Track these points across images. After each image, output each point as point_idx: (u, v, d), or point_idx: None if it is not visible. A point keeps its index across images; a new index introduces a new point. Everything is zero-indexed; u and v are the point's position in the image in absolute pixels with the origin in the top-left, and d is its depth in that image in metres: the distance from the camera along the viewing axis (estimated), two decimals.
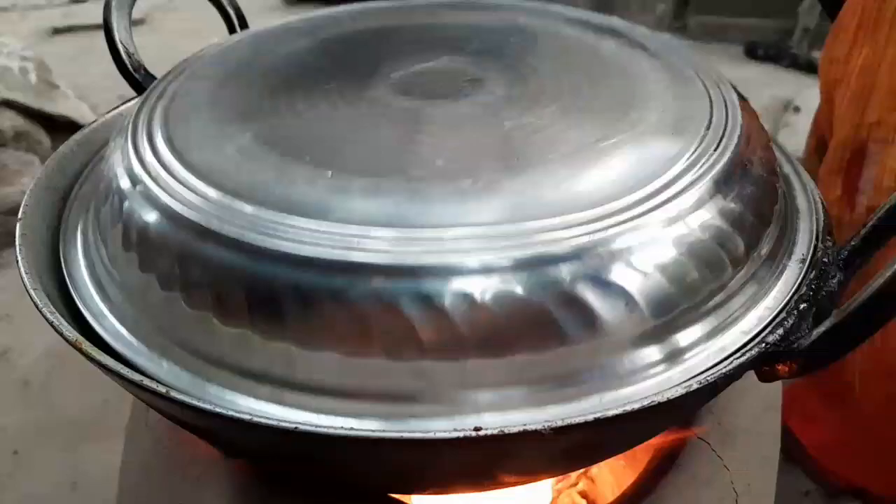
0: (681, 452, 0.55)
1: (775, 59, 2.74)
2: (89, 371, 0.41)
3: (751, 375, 0.42)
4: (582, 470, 0.66)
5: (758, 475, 0.58)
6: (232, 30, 0.72)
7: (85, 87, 2.30)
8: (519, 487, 0.53)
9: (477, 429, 0.34)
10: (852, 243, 0.46)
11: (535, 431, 0.34)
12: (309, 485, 0.47)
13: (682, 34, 3.54)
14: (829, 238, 0.48)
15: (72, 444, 1.21)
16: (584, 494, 0.71)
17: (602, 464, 0.64)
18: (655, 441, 0.56)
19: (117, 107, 0.62)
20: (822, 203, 0.51)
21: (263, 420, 0.35)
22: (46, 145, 1.93)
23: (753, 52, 3.01)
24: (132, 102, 0.62)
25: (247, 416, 0.35)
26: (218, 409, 0.36)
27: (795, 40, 2.74)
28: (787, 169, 0.55)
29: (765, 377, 0.42)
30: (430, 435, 0.34)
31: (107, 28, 0.63)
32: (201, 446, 0.53)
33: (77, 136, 0.58)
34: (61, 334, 0.40)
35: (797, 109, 2.12)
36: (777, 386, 0.62)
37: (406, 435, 0.35)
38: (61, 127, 1.95)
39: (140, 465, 0.59)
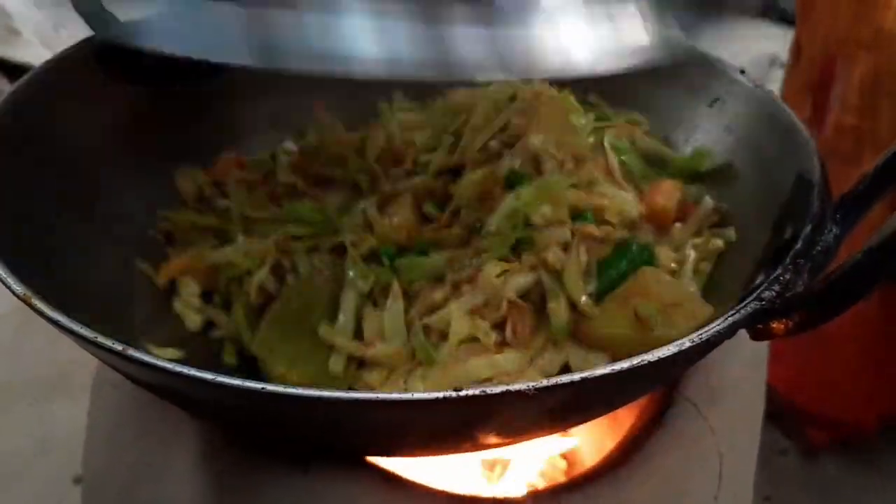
0: (666, 413, 0.53)
1: (763, 13, 2.70)
2: (54, 329, 0.38)
3: (739, 334, 0.40)
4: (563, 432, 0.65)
5: (742, 435, 0.58)
6: None
7: (49, 35, 2.20)
8: (500, 450, 0.51)
9: (457, 389, 0.32)
10: (847, 198, 0.45)
11: (519, 392, 0.32)
12: (281, 446, 0.45)
13: None
14: (825, 192, 0.46)
15: (40, 402, 1.18)
16: (564, 456, 0.70)
17: (583, 425, 0.63)
18: (640, 402, 0.55)
19: (70, 47, 0.58)
20: (820, 157, 0.49)
21: (228, 381, 0.33)
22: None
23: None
24: (87, 43, 0.58)
25: (209, 377, 0.33)
26: (178, 370, 0.33)
27: None
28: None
29: (758, 335, 0.40)
30: (409, 396, 0.32)
31: None
32: (169, 406, 0.50)
33: (27, 77, 0.54)
34: (10, 288, 0.37)
35: (784, 65, 2.09)
36: (763, 345, 0.61)
37: (382, 396, 0.33)
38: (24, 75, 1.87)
39: (106, 425, 0.57)
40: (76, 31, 0.62)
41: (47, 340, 1.24)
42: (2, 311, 1.34)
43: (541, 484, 0.63)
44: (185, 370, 0.33)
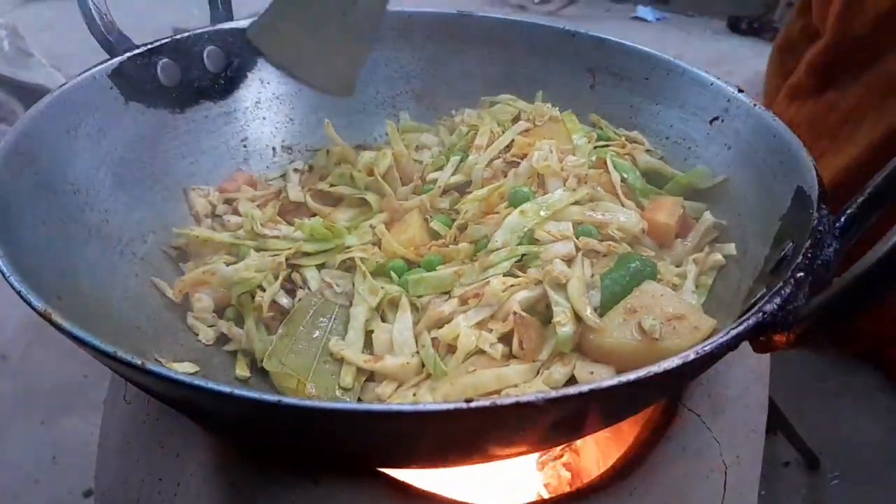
0: (670, 425, 0.54)
1: (758, 33, 2.72)
2: (68, 344, 0.39)
3: (742, 346, 0.41)
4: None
5: (746, 447, 0.58)
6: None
7: (60, 56, 2.23)
8: (506, 461, 0.52)
9: (468, 400, 0.33)
10: (848, 212, 0.46)
11: (529, 403, 0.33)
12: (293, 458, 0.46)
13: (666, 8, 3.51)
14: (824, 207, 0.47)
15: (51, 417, 1.19)
16: (568, 467, 0.70)
17: (588, 437, 0.64)
18: (645, 414, 0.55)
19: (88, 69, 0.59)
20: (817, 171, 0.50)
21: (245, 394, 0.34)
22: (20, 115, 1.86)
23: (736, 26, 2.99)
24: (103, 66, 0.60)
25: (227, 390, 0.34)
26: (196, 383, 0.34)
27: (778, 13, 2.73)
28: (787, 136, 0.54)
29: (760, 347, 0.41)
30: (420, 408, 0.33)
31: None
32: (181, 419, 0.51)
33: (47, 98, 0.55)
34: (29, 304, 0.38)
35: None
36: (765, 358, 0.62)
37: (395, 408, 0.34)
38: (35, 96, 1.89)
39: (118, 439, 0.58)
40: (88, 54, 0.64)
41: (58, 357, 1.25)
42: (13, 328, 1.35)
43: (547, 495, 0.64)
44: (204, 383, 0.34)
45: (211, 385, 0.34)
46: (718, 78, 0.62)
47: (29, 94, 1.92)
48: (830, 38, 1.00)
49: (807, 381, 1.18)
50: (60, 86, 0.57)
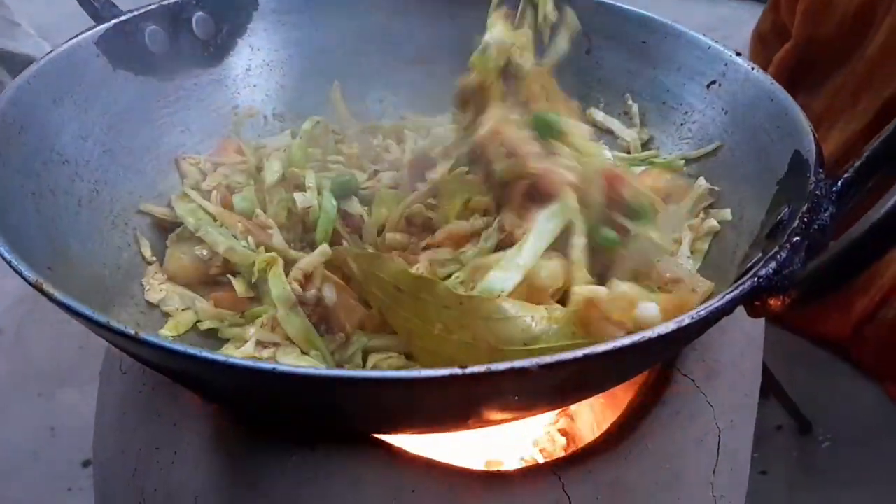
0: (665, 390, 0.54)
1: None
2: (62, 316, 0.39)
3: (737, 311, 0.41)
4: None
5: (740, 411, 0.58)
6: None
7: (47, 26, 2.20)
8: (500, 426, 0.52)
9: (462, 366, 0.33)
10: (845, 176, 0.45)
11: (523, 369, 0.33)
12: (289, 426, 0.46)
13: None
14: (821, 171, 0.46)
15: (48, 391, 1.19)
16: (563, 432, 0.71)
17: (583, 402, 0.64)
18: (639, 379, 0.56)
19: (74, 37, 0.58)
20: (815, 136, 0.49)
21: (239, 362, 0.34)
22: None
23: None
24: (89, 33, 0.58)
25: (221, 358, 0.34)
26: (190, 352, 0.34)
27: None
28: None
29: (755, 312, 0.41)
30: (416, 374, 0.33)
31: None
32: (178, 390, 0.51)
33: (33, 67, 0.54)
34: (20, 274, 0.38)
35: None
36: (759, 323, 0.62)
37: (391, 374, 0.34)
38: (23, 66, 1.86)
39: (115, 410, 0.58)
40: (75, 23, 0.63)
41: (52, 331, 1.25)
42: (6, 303, 1.35)
43: (541, 459, 0.65)
44: (198, 352, 0.34)
45: (206, 354, 0.34)
46: (716, 41, 0.61)
47: (17, 64, 1.90)
48: (798, 39, 1.01)
49: (799, 347, 1.19)
50: (46, 54, 0.56)
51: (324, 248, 0.54)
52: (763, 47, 1.08)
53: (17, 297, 1.34)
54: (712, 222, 0.56)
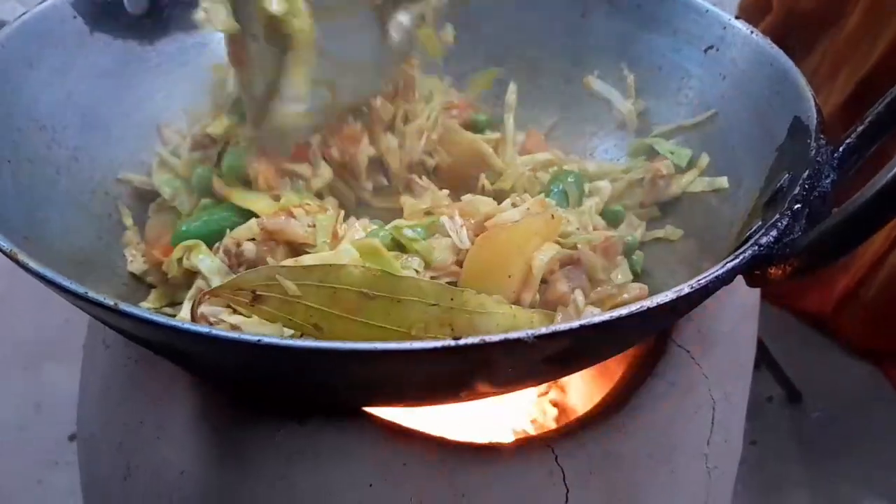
0: (660, 361, 0.53)
1: None
2: (46, 289, 0.38)
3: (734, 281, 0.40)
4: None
5: (734, 382, 0.58)
6: None
7: None
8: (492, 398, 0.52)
9: (456, 338, 0.32)
10: (847, 142, 0.44)
11: (518, 340, 0.32)
12: (277, 400, 0.45)
13: None
14: (822, 137, 0.45)
15: (34, 365, 1.18)
16: (555, 404, 0.71)
17: (576, 374, 0.63)
18: (633, 350, 0.55)
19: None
20: (816, 101, 0.48)
21: (223, 334, 0.32)
22: None
23: None
24: None
25: (205, 330, 0.32)
26: (172, 324, 0.33)
27: None
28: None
29: (755, 281, 0.40)
30: (408, 346, 0.32)
31: None
32: (163, 363, 0.50)
33: (6, 30, 0.52)
34: None
35: None
36: (756, 293, 0.61)
37: (381, 347, 0.32)
38: None
39: (99, 384, 0.57)
40: None
41: (35, 305, 1.23)
42: None
43: (533, 431, 0.64)
44: (180, 324, 0.33)
45: (188, 326, 0.33)
46: (714, 4, 0.60)
47: None
48: (778, 13, 1.01)
49: (790, 318, 1.19)
50: (20, 16, 0.54)
51: (251, 224, 0.50)
52: (746, 20, 1.08)
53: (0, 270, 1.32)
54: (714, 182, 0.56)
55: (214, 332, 0.32)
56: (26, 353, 1.20)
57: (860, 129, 0.43)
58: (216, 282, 0.46)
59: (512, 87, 0.67)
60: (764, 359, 1.09)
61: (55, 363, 1.16)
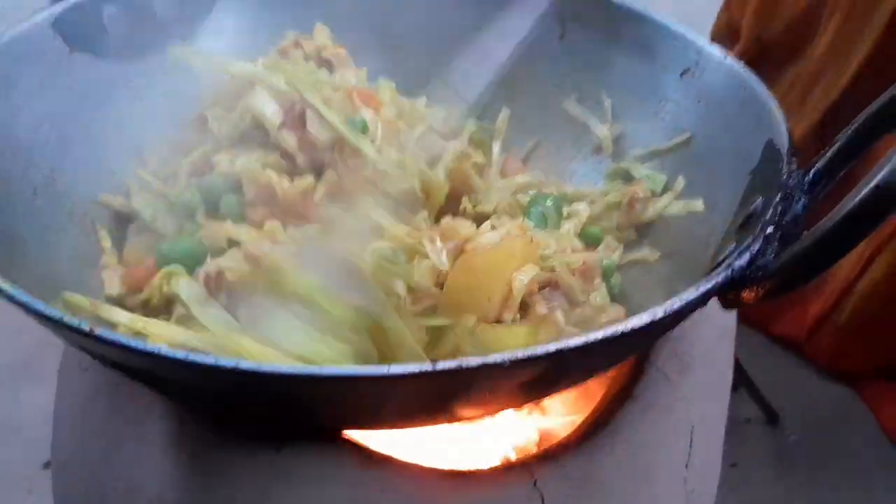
0: (638, 383, 0.54)
1: None
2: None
3: (709, 304, 0.41)
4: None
5: (712, 404, 0.58)
6: None
7: (2, 9, 2.13)
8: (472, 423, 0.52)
9: (433, 361, 0.32)
10: (817, 166, 0.45)
11: (496, 364, 0.32)
12: (256, 424, 0.45)
13: None
14: (793, 161, 0.46)
15: (6, 388, 1.16)
16: (536, 428, 0.70)
17: (555, 397, 0.64)
18: (612, 373, 0.55)
19: (29, 18, 0.55)
20: (787, 126, 0.49)
21: (200, 359, 0.32)
22: None
23: None
24: (45, 13, 0.56)
25: (181, 356, 0.32)
26: (148, 349, 0.32)
27: None
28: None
29: (728, 304, 0.40)
30: (386, 371, 0.32)
31: None
32: (140, 388, 0.50)
33: None
34: None
35: None
36: (731, 316, 0.62)
37: (360, 371, 0.32)
38: None
39: (75, 408, 0.56)
40: (31, 3, 0.60)
41: (12, 326, 1.21)
42: None
43: (513, 456, 0.64)
44: (157, 349, 0.33)
45: (164, 351, 0.33)
46: (689, 30, 0.61)
47: None
48: (748, 39, 1.03)
49: (766, 339, 1.20)
50: (1, 35, 0.54)
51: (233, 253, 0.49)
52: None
53: None
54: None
55: (192, 357, 0.32)
56: (4, 375, 1.18)
57: (829, 154, 0.44)
58: (196, 310, 0.46)
59: (504, 114, 0.68)
60: (742, 380, 1.09)
61: (29, 385, 1.15)
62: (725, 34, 1.11)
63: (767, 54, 1.01)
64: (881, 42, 0.89)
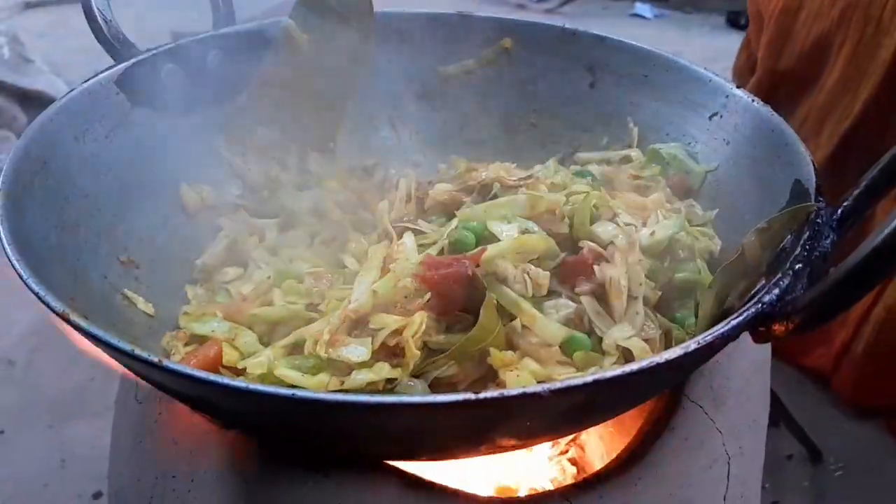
0: (673, 416, 0.55)
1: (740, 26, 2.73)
2: (73, 348, 0.40)
3: (743, 338, 0.42)
4: (571, 437, 0.67)
5: (748, 437, 0.59)
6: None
7: (59, 63, 2.24)
8: (511, 454, 0.53)
9: (475, 392, 0.34)
10: (845, 204, 0.46)
11: (535, 394, 0.34)
12: (304, 453, 0.47)
13: (664, 5, 3.52)
14: (821, 199, 0.47)
15: (59, 422, 1.20)
16: (573, 462, 0.71)
17: (591, 430, 0.65)
18: (648, 406, 0.56)
19: (94, 75, 0.60)
20: (814, 164, 0.50)
21: (260, 388, 0.35)
22: (22, 121, 1.88)
23: (735, 22, 3.00)
24: (109, 72, 0.60)
25: (242, 385, 0.35)
26: (212, 378, 0.35)
27: None
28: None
29: (760, 338, 0.42)
30: (429, 399, 0.34)
31: None
32: (194, 418, 0.52)
33: (55, 105, 0.56)
34: (48, 305, 0.39)
35: None
36: (766, 348, 0.63)
37: (404, 400, 0.34)
38: (37, 102, 1.91)
39: (130, 438, 0.59)
40: (88, 59, 0.65)
41: (63, 362, 1.26)
42: (18, 334, 1.36)
43: (551, 487, 0.65)
44: (219, 379, 0.35)
45: (226, 381, 0.35)
46: (717, 74, 0.63)
47: (30, 100, 1.93)
48: (762, 72, 1.04)
49: (801, 374, 1.19)
50: (67, 92, 0.58)
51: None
52: (741, 82, 1.11)
53: (28, 329, 1.35)
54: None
55: (252, 386, 0.35)
56: (52, 410, 1.22)
57: (857, 191, 0.45)
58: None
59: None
60: (782, 416, 1.08)
61: (80, 420, 1.18)
62: (746, 70, 1.13)
63: (782, 86, 1.03)
64: (891, 69, 0.90)
